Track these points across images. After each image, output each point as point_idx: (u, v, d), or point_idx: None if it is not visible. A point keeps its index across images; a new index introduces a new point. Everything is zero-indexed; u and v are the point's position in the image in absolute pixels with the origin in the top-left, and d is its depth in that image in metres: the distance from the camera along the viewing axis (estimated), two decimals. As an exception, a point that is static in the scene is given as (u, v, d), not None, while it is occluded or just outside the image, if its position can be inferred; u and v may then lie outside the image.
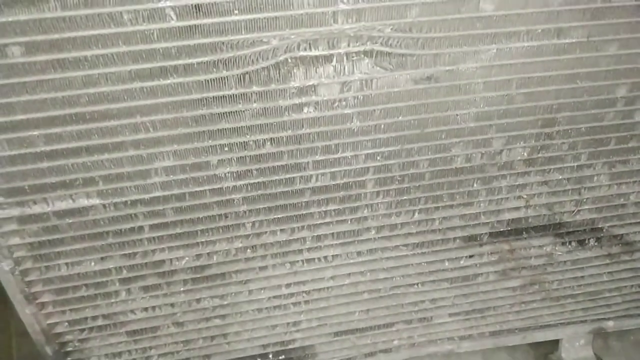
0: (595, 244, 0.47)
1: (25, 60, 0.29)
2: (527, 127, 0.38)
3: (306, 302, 0.44)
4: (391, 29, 0.32)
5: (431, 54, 0.34)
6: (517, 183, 0.41)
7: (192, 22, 0.30)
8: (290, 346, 0.46)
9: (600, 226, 0.46)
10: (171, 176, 0.35)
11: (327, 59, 0.33)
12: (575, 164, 0.41)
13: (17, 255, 0.37)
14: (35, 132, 0.32)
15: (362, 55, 0.33)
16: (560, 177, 0.42)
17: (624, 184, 0.43)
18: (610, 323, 0.54)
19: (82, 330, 0.42)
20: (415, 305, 0.47)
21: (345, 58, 0.33)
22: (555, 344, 0.55)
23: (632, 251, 0.48)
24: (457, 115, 0.36)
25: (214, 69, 0.32)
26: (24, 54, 0.29)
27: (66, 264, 0.38)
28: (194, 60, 0.31)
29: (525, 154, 0.40)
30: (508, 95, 0.36)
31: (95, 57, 0.30)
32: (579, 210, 0.44)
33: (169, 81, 0.32)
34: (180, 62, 0.31)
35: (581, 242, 0.47)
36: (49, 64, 0.30)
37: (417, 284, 0.46)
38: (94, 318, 0.42)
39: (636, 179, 0.43)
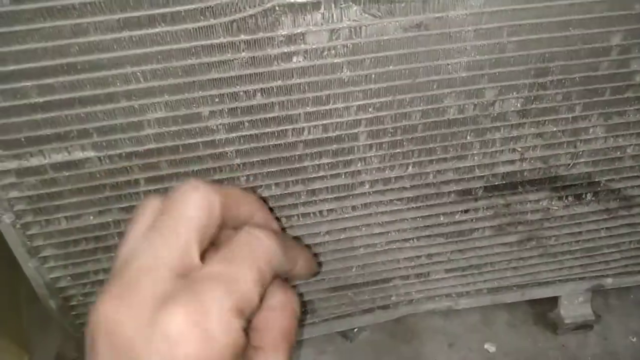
0: (592, 198, 0.47)
1: (14, 8, 0.30)
2: (520, 77, 0.38)
3: (302, 256, 0.45)
4: (379, -26, 0.32)
5: (420, 1, 0.33)
6: (511, 135, 0.41)
7: (178, -32, 0.30)
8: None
9: (597, 180, 0.45)
10: (164, 128, 0.36)
11: (315, 6, 0.33)
12: (570, 116, 0.41)
13: (17, 209, 0.38)
14: (28, 83, 0.33)
15: (351, 3, 0.33)
16: (555, 129, 0.41)
17: (621, 137, 0.43)
18: (609, 280, 0.54)
19: (85, 284, 0.43)
20: (411, 261, 0.48)
21: (333, 5, 0.33)
22: (554, 301, 0.56)
23: (630, 206, 0.48)
24: (448, 64, 0.36)
25: (202, 17, 0.32)
26: (13, 2, 0.29)
27: (65, 217, 0.39)
28: (181, 8, 0.31)
29: (518, 104, 0.39)
30: (499, 44, 0.36)
31: (84, 5, 0.30)
32: (574, 164, 0.44)
33: (157, 29, 0.32)
34: (168, 10, 0.31)
35: (578, 197, 0.46)
36: (38, 12, 0.30)
37: (413, 238, 0.46)
38: (96, 272, 0.43)
39: (633, 131, 0.43)
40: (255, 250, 0.22)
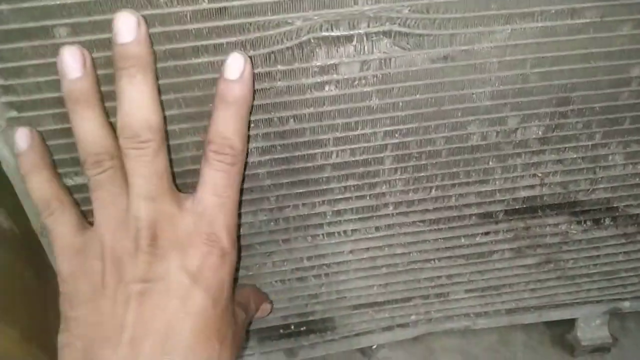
0: (611, 223, 0.48)
1: (68, 39, 0.32)
2: (542, 106, 0.39)
3: (326, 274, 0.46)
4: (409, 10, 0.34)
5: (447, 34, 0.35)
6: (532, 161, 0.42)
7: (222, 4, 0.32)
8: (311, 317, 0.49)
9: (615, 205, 0.46)
10: (200, 151, 0.38)
11: (348, 39, 0.34)
12: (590, 143, 0.42)
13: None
14: None
15: (381, 36, 0.35)
16: (575, 155, 0.43)
17: (639, 164, 0.44)
18: (627, 304, 0.55)
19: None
20: (431, 281, 0.49)
21: (365, 38, 0.35)
22: (571, 323, 0.56)
23: (648, 231, 0.49)
24: (472, 93, 0.38)
25: (242, 49, 0.34)
26: (70, 34, 0.32)
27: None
28: (224, 40, 0.33)
29: (540, 132, 0.41)
30: (522, 75, 0.38)
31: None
32: (593, 189, 0.45)
33: (200, 60, 0.34)
34: (211, 42, 0.33)
35: (596, 221, 0.47)
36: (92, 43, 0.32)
37: (434, 259, 0.47)
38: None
39: (651, 159, 0.44)
40: None
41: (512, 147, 0.41)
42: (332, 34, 0.34)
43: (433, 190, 0.43)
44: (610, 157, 0.43)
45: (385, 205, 0.43)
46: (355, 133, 0.39)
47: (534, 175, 0.43)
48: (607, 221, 0.47)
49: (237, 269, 0.44)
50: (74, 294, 0.31)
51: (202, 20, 0.32)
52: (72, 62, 0.30)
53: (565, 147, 0.42)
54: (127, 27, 0.29)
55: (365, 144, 0.39)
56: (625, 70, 0.39)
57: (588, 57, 0.38)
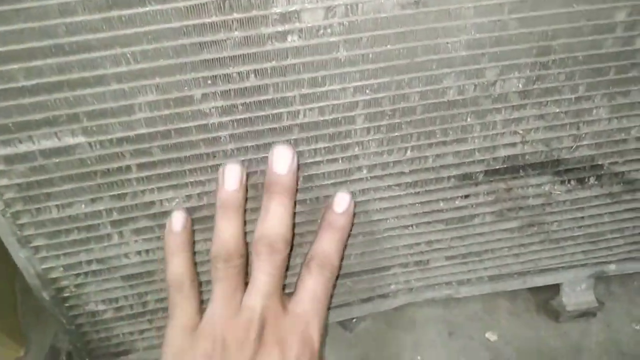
0: (596, 182, 0.46)
1: None
2: (522, 55, 0.37)
3: (299, 245, 0.44)
4: (375, -51, 0.31)
5: (418, -24, 0.32)
6: (513, 117, 0.40)
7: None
8: (287, 290, 0.46)
9: (600, 163, 0.44)
10: (155, 112, 0.35)
11: (310, -18, 0.32)
12: (573, 96, 0.40)
13: (7, 197, 0.37)
14: (15, 66, 0.32)
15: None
16: (558, 110, 0.40)
17: (625, 118, 0.42)
18: (612, 266, 0.54)
19: (77, 275, 0.42)
20: (410, 248, 0.47)
21: (328, -19, 0.32)
22: (556, 289, 0.55)
23: (634, 190, 0.47)
24: (447, 43, 0.35)
25: (194, -5, 0.31)
26: (-5, -21, 0.28)
27: (56, 206, 0.38)
28: (171, -14, 0.30)
29: (520, 85, 0.38)
30: (500, 21, 0.35)
31: (70, -16, 0.30)
32: (577, 146, 0.43)
33: (147, 8, 0.31)
34: (157, -12, 0.30)
35: (580, 181, 0.45)
36: (22, -10, 0.29)
37: (412, 225, 0.45)
38: (88, 262, 0.42)
39: (637, 112, 0.42)
40: None
41: (491, 102, 0.39)
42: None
43: (408, 151, 0.40)
44: (594, 111, 0.41)
45: (359, 168, 0.41)
46: (323, 89, 0.36)
47: (515, 132, 0.41)
48: (592, 180, 0.45)
49: (204, 240, 0.42)
50: None
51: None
52: (233, 176, 0.36)
53: (547, 101, 0.40)
54: (284, 161, 0.36)
55: (335, 102, 0.37)
56: (609, 15, 0.36)
57: (570, 0, 0.35)
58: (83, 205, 0.39)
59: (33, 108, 0.33)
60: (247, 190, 0.37)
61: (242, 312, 0.35)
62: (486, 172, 0.43)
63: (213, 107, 0.35)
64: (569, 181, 0.45)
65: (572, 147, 0.43)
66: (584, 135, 0.42)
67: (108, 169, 0.37)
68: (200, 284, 0.40)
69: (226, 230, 0.36)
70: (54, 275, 0.42)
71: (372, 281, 0.49)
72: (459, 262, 0.49)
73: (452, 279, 0.51)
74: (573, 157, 0.44)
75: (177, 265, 0.37)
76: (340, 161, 0.40)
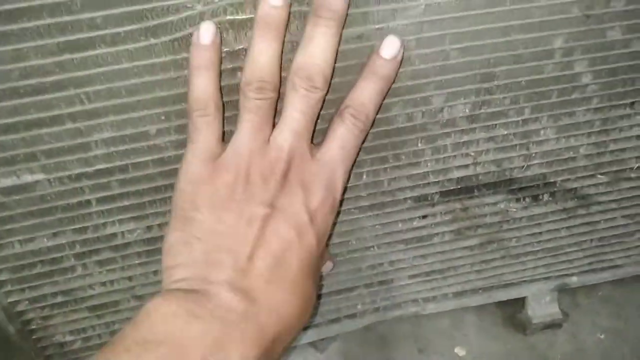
0: (550, 198, 0.47)
1: (-52, 35, 0.30)
2: (466, 82, 0.38)
3: (263, 269, 0.45)
4: (317, -11, 0.32)
5: (359, 12, 0.34)
6: (462, 140, 0.41)
7: (113, -10, 0.30)
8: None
9: (552, 180, 0.46)
10: (112, 148, 0.36)
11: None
12: (520, 119, 0.41)
13: (-31, 235, 0.37)
14: (-30, 109, 0.33)
15: (291, 17, 0.33)
16: (506, 132, 0.42)
17: (572, 137, 0.44)
18: (574, 279, 0.55)
19: (43, 307, 0.43)
20: (374, 268, 0.48)
21: (273, 21, 0.33)
22: (521, 303, 0.56)
23: (588, 205, 0.49)
24: (393, 73, 0.37)
25: (142, 38, 0.32)
26: (-54, 29, 0.29)
27: (19, 241, 0.39)
28: (121, 30, 0.31)
29: (467, 110, 0.40)
30: (442, 51, 0.37)
31: (22, 30, 0.31)
32: (528, 166, 0.44)
33: (97, 51, 0.32)
34: (107, 32, 0.31)
35: (535, 198, 0.47)
36: (-27, 39, 0.30)
37: (373, 246, 0.46)
38: (54, 295, 0.42)
39: (584, 131, 0.43)
40: None
41: (439, 127, 0.40)
42: (238, 17, 0.32)
43: (364, 176, 0.42)
44: (542, 132, 0.43)
45: (317, 194, 0.42)
46: (276, 121, 0.37)
47: (466, 154, 0.42)
48: (546, 197, 0.47)
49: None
50: (194, 195, 0.32)
51: (95, 9, 0.30)
52: None
53: (495, 124, 0.41)
54: None
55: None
56: (547, 42, 0.38)
57: (508, 29, 0.37)
58: (45, 240, 0.39)
59: (-10, 148, 0.34)
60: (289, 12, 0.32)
61: (270, 147, 0.32)
62: (441, 193, 0.44)
63: (168, 141, 0.36)
64: (524, 198, 0.47)
65: (523, 166, 0.44)
66: (534, 155, 0.44)
67: (68, 204, 0.38)
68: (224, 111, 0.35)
69: (264, 53, 0.31)
70: (19, 308, 0.42)
71: (339, 302, 0.50)
72: (422, 280, 0.50)
73: (418, 296, 0.52)
74: (525, 175, 0.45)
75: (203, 84, 0.32)
76: (298, 188, 0.41)
